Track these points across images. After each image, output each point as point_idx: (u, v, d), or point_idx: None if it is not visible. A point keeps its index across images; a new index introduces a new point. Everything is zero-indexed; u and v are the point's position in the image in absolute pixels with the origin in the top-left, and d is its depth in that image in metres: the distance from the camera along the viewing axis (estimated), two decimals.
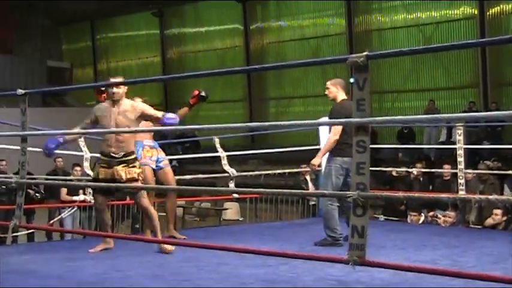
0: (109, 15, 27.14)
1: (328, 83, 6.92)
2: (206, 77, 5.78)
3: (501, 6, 17.84)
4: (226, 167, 8.87)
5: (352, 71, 3.05)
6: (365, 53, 3.03)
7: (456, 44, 3.09)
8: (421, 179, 11.39)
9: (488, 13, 17.93)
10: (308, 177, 11.57)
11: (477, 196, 3.08)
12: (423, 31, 19.25)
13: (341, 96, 6.75)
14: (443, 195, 3.04)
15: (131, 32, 27.76)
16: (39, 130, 6.67)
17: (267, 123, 5.15)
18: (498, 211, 8.60)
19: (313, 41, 21.85)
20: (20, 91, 4.75)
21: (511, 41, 3.02)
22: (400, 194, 3.87)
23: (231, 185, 8.85)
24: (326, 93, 6.88)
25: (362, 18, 20.78)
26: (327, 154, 6.61)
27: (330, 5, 21.47)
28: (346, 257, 3.08)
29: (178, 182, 7.83)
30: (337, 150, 6.45)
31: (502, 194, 10.42)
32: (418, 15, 19.52)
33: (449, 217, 9.50)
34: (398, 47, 19.73)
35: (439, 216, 9.63)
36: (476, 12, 18.12)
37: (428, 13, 19.24)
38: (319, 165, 7.09)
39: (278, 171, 11.30)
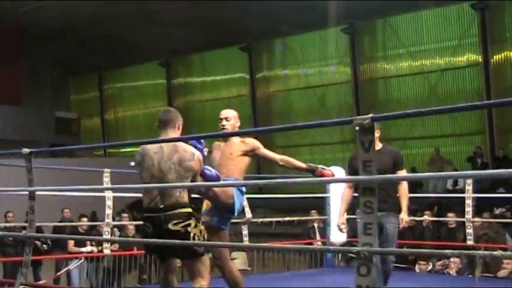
0: (116, 65, 27.42)
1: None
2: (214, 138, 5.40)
3: (505, 53, 17.98)
4: (246, 209, 8.75)
5: (358, 133, 3.07)
6: (370, 115, 3.07)
7: (462, 105, 3.09)
8: (431, 226, 11.34)
9: (492, 60, 18.06)
10: (316, 225, 11.54)
11: (481, 252, 3.08)
12: (428, 78, 19.38)
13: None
14: (448, 251, 3.02)
15: (138, 82, 28.01)
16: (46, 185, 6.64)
17: (275, 180, 4.83)
18: (508, 260, 8.56)
19: (319, 89, 22.00)
20: (26, 150, 4.72)
21: None
22: (405, 250, 3.86)
23: (245, 231, 8.80)
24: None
25: (367, 66, 20.95)
26: (390, 211, 5.86)
27: (335, 54, 21.66)
28: None
29: None
30: (394, 205, 5.93)
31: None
32: (423, 63, 19.67)
33: (455, 262, 9.52)
34: (404, 94, 19.87)
35: (451, 264, 9.60)
36: (480, 60, 18.26)
37: (433, 60, 19.40)
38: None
39: (289, 218, 11.25)
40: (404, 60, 20.19)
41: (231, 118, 5.75)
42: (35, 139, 21.51)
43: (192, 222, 4.42)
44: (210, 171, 4.78)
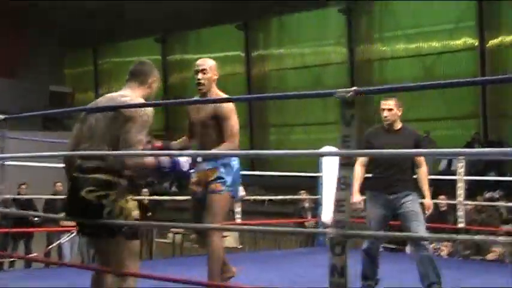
0: (112, 40, 27.30)
1: (392, 103, 5.60)
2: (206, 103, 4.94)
3: (501, 37, 17.95)
4: (239, 186, 8.70)
5: (341, 106, 3.00)
6: (353, 88, 3.01)
7: (446, 82, 3.02)
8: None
9: (488, 44, 18.03)
10: (307, 205, 11.57)
11: (476, 237, 3.08)
12: (424, 61, 19.34)
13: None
14: (443, 236, 3.02)
15: (134, 57, 27.85)
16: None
17: (267, 151, 4.58)
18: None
19: (315, 69, 21.94)
20: (0, 116, 4.62)
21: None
22: (388, 233, 3.82)
23: (237, 208, 8.80)
24: (386, 115, 5.56)
25: (363, 48, 20.89)
26: (406, 190, 5.51)
27: (331, 34, 21.59)
28: None
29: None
30: (412, 185, 5.63)
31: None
32: (420, 45, 19.61)
33: (445, 247, 9.56)
34: (400, 76, 19.83)
35: (442, 248, 9.63)
36: (477, 43, 18.22)
37: (429, 43, 19.34)
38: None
39: (282, 197, 11.24)
40: (401, 42, 20.13)
41: (207, 70, 5.00)
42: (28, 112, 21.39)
43: (113, 193, 3.59)
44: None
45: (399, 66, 20.14)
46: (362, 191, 5.68)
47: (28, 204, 10.81)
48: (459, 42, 18.85)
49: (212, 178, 4.81)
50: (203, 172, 4.84)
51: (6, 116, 4.60)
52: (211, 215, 4.69)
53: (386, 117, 5.51)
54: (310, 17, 21.91)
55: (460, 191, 8.25)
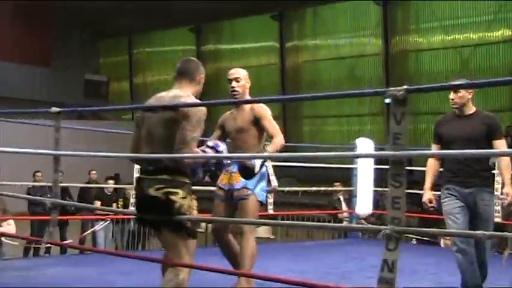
0: (146, 29, 27.42)
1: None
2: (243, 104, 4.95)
3: None
4: (272, 177, 8.72)
5: (392, 105, 3.01)
6: (404, 87, 2.99)
7: (498, 80, 2.95)
8: None
9: None
10: (341, 197, 11.52)
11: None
12: (461, 53, 19.11)
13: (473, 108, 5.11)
14: (479, 232, 2.99)
15: (168, 47, 27.99)
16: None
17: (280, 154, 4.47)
18: None
19: (349, 60, 21.81)
20: (55, 109, 4.56)
21: None
22: (435, 230, 3.82)
23: (270, 199, 8.78)
24: (452, 97, 4.97)
25: (399, 39, 20.70)
26: (482, 185, 4.98)
27: (367, 25, 21.42)
28: None
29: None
30: (487, 179, 5.08)
31: None
32: (456, 37, 19.37)
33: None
34: (435, 68, 19.64)
35: None
36: None
37: (466, 35, 19.10)
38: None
39: (316, 188, 11.17)
40: (437, 34, 19.90)
41: (241, 78, 5.10)
42: (63, 101, 21.61)
43: (180, 191, 3.76)
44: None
45: (435, 58, 19.92)
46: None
47: (65, 192, 10.92)
48: (497, 34, 18.56)
49: (237, 181, 4.96)
50: (229, 175, 5.04)
51: (61, 109, 4.59)
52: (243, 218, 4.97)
53: (453, 100, 4.94)
54: (345, 7, 21.77)
55: (497, 185, 8.13)
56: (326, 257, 7.56)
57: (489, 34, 18.59)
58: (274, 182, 8.75)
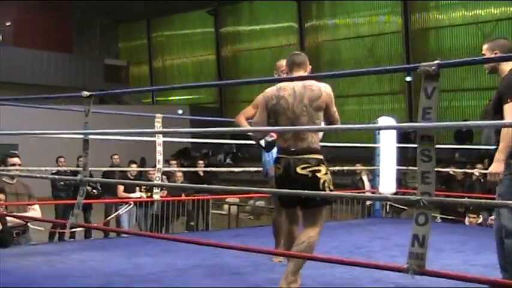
0: (165, 13, 27.41)
1: (485, 46, 4.60)
2: (267, 82, 4.99)
3: None
4: None
5: (423, 79, 3.00)
6: (436, 62, 2.98)
7: None
8: (482, 180, 11.16)
9: None
10: (365, 177, 11.48)
11: None
12: (482, 29, 18.92)
13: (508, 65, 4.40)
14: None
15: (186, 30, 27.99)
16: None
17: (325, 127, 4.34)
18: None
19: (369, 39, 21.70)
20: (85, 93, 4.67)
21: None
22: (466, 200, 3.78)
23: None
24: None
25: (419, 16, 20.54)
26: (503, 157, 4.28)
27: (386, 3, 21.28)
28: (406, 265, 3.04)
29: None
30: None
31: None
32: (477, 13, 19.18)
33: None
34: (456, 45, 19.45)
35: None
36: None
37: (487, 10, 18.90)
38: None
39: (339, 167, 11.09)
40: (457, 10, 19.73)
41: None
42: (84, 86, 21.73)
43: (322, 168, 4.25)
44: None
45: (456, 34, 19.75)
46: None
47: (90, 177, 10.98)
48: None
49: None
50: None
51: (92, 93, 4.68)
52: None
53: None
54: None
55: None
56: (350, 237, 7.55)
57: (510, 9, 18.37)
58: None
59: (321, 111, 4.33)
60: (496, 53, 4.46)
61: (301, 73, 4.50)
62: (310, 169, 4.20)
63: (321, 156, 4.30)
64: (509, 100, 4.20)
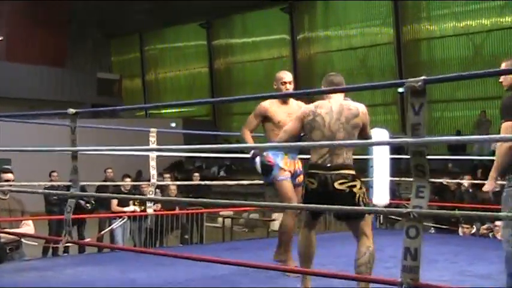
0: (157, 26, 27.46)
1: (503, 65, 4.82)
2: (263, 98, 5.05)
3: None
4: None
5: (409, 95, 3.02)
6: (422, 78, 2.99)
7: None
8: (470, 190, 11.21)
9: None
10: None
11: None
12: (473, 40, 19.01)
13: None
14: (503, 214, 2.98)
15: (179, 43, 28.03)
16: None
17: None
18: None
19: (361, 50, 21.76)
20: (71, 110, 4.64)
21: None
22: (457, 212, 3.79)
23: None
24: (501, 80, 4.86)
25: (410, 27, 20.63)
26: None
27: (377, 15, 21.36)
28: (400, 279, 3.03)
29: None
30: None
31: None
32: (468, 24, 19.27)
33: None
34: (448, 56, 19.53)
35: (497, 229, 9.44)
36: None
37: (478, 21, 18.99)
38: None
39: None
40: (448, 21, 19.82)
41: (292, 81, 5.84)
42: (77, 100, 21.75)
43: (357, 183, 4.37)
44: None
45: (447, 45, 19.83)
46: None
47: (83, 191, 10.95)
48: (509, 19, 18.44)
49: (299, 167, 5.63)
50: (293, 161, 5.60)
51: (77, 110, 4.66)
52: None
53: (500, 81, 4.88)
54: None
55: None
56: (344, 249, 7.53)
57: (501, 19, 18.47)
58: None
59: (357, 130, 4.49)
60: None
61: (339, 95, 4.65)
62: (348, 184, 4.34)
63: (354, 172, 4.42)
64: (503, 121, 4.57)
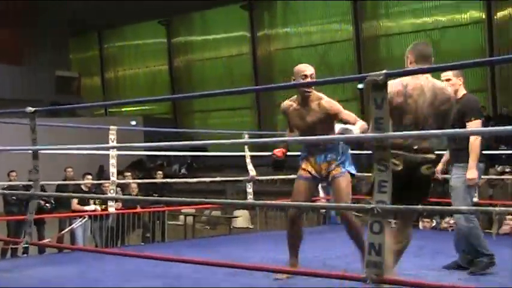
0: (117, 24, 27.23)
1: (450, 74, 5.31)
2: (223, 95, 4.96)
3: (509, 10, 17.80)
4: (250, 166, 8.75)
5: (371, 90, 3.02)
6: (384, 71, 3.01)
7: (468, 62, 2.96)
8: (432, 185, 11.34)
9: (495, 17, 17.89)
10: (320, 185, 11.52)
11: (498, 209, 3.12)
12: (431, 36, 19.22)
13: (463, 90, 5.38)
14: (464, 208, 3.03)
15: (138, 40, 27.84)
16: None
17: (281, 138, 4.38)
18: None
19: (321, 47, 21.87)
20: (29, 109, 4.55)
21: None
22: (420, 207, 3.83)
23: (249, 189, 8.76)
24: (444, 78, 5.27)
25: (369, 24, 20.80)
26: (456, 162, 5.37)
27: (337, 11, 21.49)
28: (364, 274, 3.04)
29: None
30: (465, 156, 5.20)
31: None
32: (425, 20, 19.50)
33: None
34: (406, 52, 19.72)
35: None
36: (483, 16, 18.08)
37: (435, 18, 19.22)
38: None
39: (294, 176, 11.12)
40: (406, 18, 20.03)
41: (313, 75, 5.22)
42: (35, 98, 21.40)
43: (433, 168, 4.24)
44: None
45: (405, 41, 19.99)
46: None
47: (42, 191, 10.80)
48: (465, 16, 18.71)
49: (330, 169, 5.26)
50: (318, 164, 5.27)
51: (36, 108, 4.57)
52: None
53: (447, 79, 5.24)
54: None
55: None
56: (306, 245, 7.55)
57: (458, 16, 18.73)
58: (253, 171, 8.76)
59: (446, 115, 4.17)
60: (460, 78, 5.31)
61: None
62: (432, 170, 4.17)
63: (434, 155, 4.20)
64: (473, 119, 5.09)
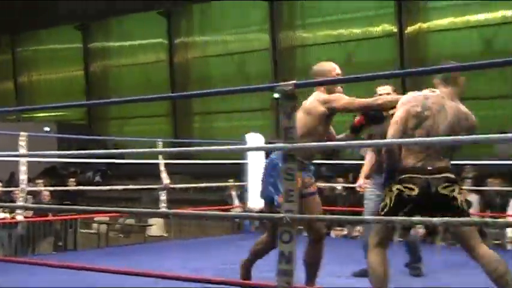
0: (31, 28, 26.61)
1: (389, 88, 5.62)
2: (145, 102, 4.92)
3: (419, 24, 18.43)
4: (164, 175, 8.77)
5: (282, 100, 3.10)
6: (293, 82, 3.09)
7: (386, 73, 3.07)
8: (344, 194, 11.58)
9: (406, 31, 18.47)
10: (234, 193, 11.62)
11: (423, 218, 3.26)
12: (345, 47, 19.62)
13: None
14: (370, 218, 3.13)
15: (54, 45, 27.28)
16: None
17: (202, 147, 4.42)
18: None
19: (238, 56, 21.98)
20: None
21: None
22: (329, 216, 3.95)
23: (163, 197, 8.78)
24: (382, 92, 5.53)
25: (286, 34, 21.05)
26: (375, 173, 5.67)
27: (254, 21, 21.65)
28: (275, 283, 3.11)
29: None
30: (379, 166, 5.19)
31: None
32: (340, 32, 19.90)
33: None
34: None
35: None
36: (395, 30, 18.62)
37: (349, 30, 19.65)
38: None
39: (208, 184, 11.22)
40: (322, 29, 20.37)
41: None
42: None
43: (457, 188, 3.98)
44: None
45: (321, 52, 20.33)
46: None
47: None
48: (378, 29, 19.21)
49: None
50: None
51: None
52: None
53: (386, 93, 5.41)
54: (233, 4, 21.89)
55: None
56: (221, 253, 7.62)
57: (371, 29, 19.22)
58: (167, 180, 8.77)
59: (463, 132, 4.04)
60: (396, 92, 5.46)
61: (449, 89, 4.14)
62: (451, 188, 3.96)
63: (454, 175, 4.05)
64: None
